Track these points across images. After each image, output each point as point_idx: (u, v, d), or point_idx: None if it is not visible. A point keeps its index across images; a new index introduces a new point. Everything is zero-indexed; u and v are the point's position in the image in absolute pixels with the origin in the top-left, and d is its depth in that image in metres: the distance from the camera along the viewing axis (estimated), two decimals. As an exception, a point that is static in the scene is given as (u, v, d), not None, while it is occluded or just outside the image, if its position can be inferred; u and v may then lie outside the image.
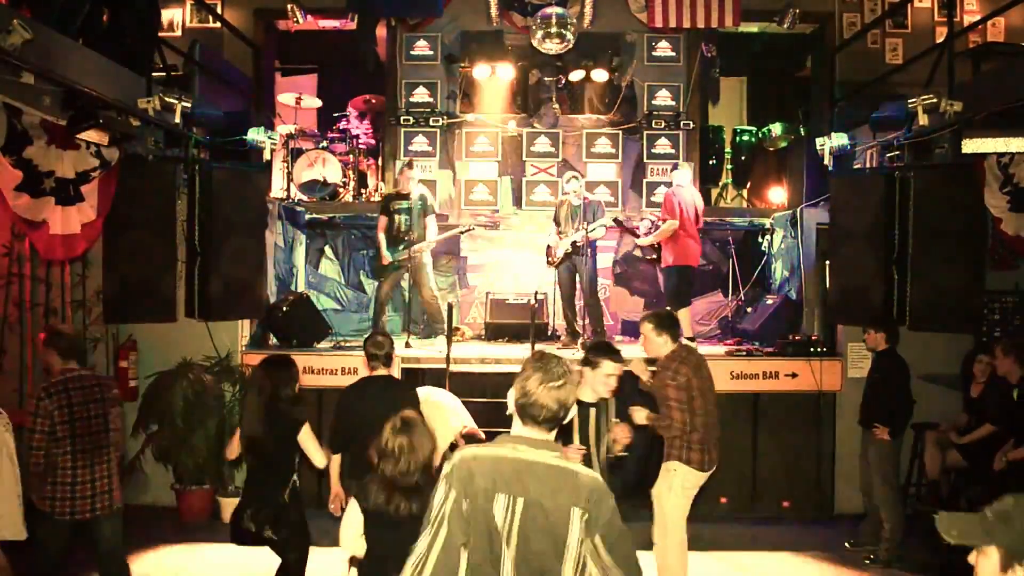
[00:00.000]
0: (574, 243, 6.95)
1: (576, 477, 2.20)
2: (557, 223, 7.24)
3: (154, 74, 5.73)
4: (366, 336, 4.72)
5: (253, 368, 4.63)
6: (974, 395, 5.85)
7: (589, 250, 7.00)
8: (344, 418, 4.39)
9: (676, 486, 4.51)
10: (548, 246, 7.27)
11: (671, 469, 4.54)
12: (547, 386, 2.23)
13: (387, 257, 7.14)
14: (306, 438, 4.11)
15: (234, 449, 4.30)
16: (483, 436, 5.45)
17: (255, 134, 6.68)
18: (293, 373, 4.21)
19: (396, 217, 7.16)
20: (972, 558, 1.71)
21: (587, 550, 2.16)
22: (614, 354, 3.96)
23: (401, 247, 7.13)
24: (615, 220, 7.73)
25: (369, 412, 4.02)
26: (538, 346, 6.60)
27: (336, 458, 4.38)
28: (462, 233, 7.67)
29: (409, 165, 7.35)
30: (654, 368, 4.63)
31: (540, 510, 2.15)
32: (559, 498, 2.16)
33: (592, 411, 3.92)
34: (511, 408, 2.32)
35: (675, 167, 7.56)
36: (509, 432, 2.34)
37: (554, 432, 2.30)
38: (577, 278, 7.15)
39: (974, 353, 6.02)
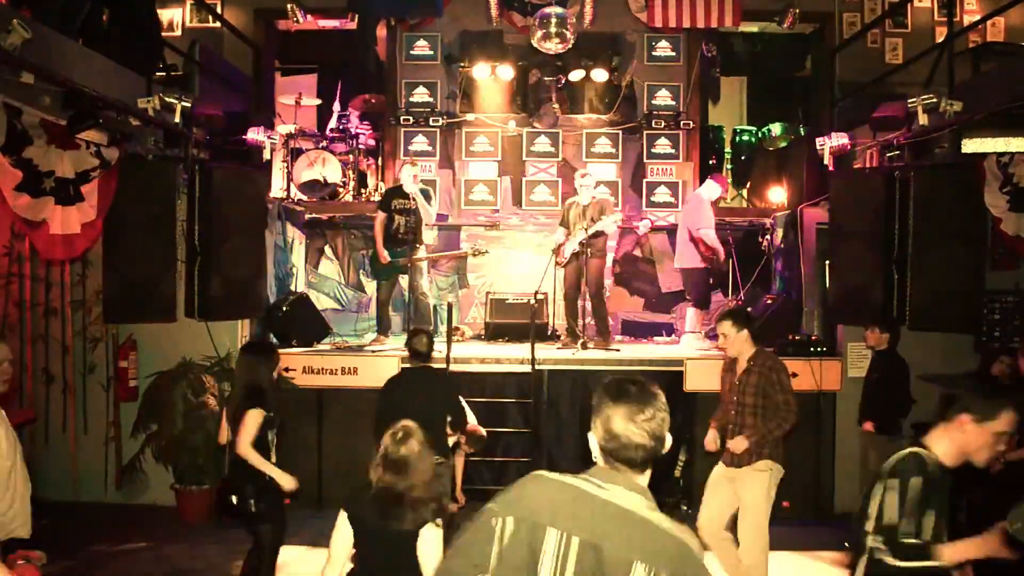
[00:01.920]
0: (582, 242, 6.96)
1: (657, 532, 1.83)
2: (565, 225, 7.24)
3: (154, 74, 5.73)
4: (410, 331, 5.21)
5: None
6: None
7: (596, 250, 7.05)
8: (387, 408, 4.55)
9: (772, 486, 4.51)
10: (558, 246, 7.25)
11: (766, 469, 4.48)
12: (636, 421, 1.89)
13: (386, 256, 7.02)
14: (249, 419, 4.14)
15: (224, 434, 4.43)
16: (483, 433, 5.47)
17: (255, 134, 6.68)
18: (271, 358, 4.42)
19: (396, 217, 7.05)
20: None
21: None
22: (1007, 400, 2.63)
23: (400, 249, 7.03)
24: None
25: (411, 400, 4.43)
26: (538, 346, 6.61)
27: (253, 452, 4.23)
28: (473, 255, 7.56)
29: (411, 162, 7.27)
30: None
31: (598, 554, 1.82)
32: (623, 548, 1.81)
33: (915, 482, 2.57)
34: (596, 454, 1.97)
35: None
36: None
37: (648, 473, 1.95)
38: (583, 279, 7.15)
39: (992, 353, 5.94)
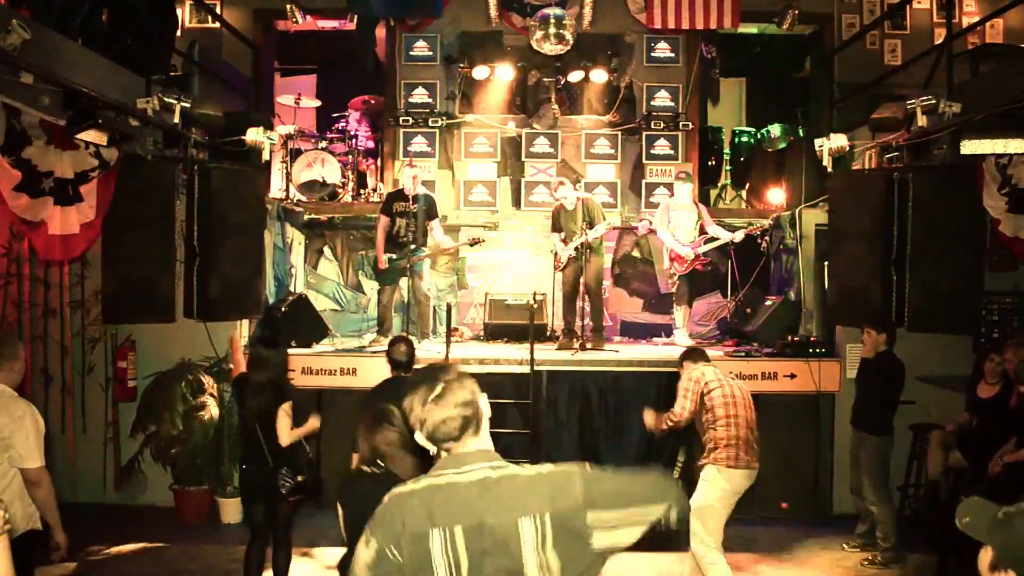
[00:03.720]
0: (580, 246, 6.99)
1: (524, 482, 1.93)
2: (557, 229, 7.26)
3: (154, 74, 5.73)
4: (390, 341, 4.93)
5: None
6: (983, 395, 5.75)
7: (591, 253, 7.06)
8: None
9: (712, 493, 4.75)
10: (555, 252, 7.27)
11: (706, 477, 4.79)
12: (432, 403, 1.98)
13: (384, 261, 7.02)
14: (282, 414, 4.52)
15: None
16: None
17: (254, 134, 6.67)
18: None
19: (398, 220, 7.03)
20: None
21: (601, 526, 1.88)
22: None
23: (401, 251, 7.00)
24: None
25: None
26: (537, 347, 6.61)
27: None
28: (471, 245, 7.54)
29: (410, 164, 7.27)
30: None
31: (483, 531, 1.88)
32: (504, 512, 1.88)
33: None
34: (431, 449, 2.04)
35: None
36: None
37: (484, 435, 2.03)
38: (582, 280, 7.17)
39: (985, 352, 5.95)
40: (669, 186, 8.28)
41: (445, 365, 2.07)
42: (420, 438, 2.02)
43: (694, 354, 5.16)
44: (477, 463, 1.96)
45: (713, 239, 7.22)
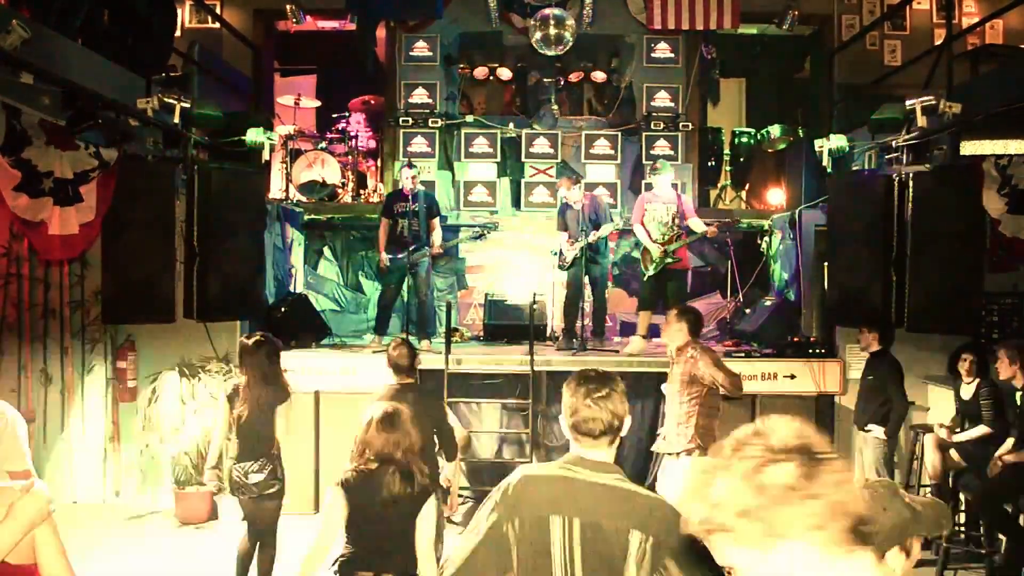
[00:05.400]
0: (585, 246, 6.98)
1: (638, 499, 2.11)
2: (564, 228, 7.24)
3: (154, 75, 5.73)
4: (391, 344, 4.58)
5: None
6: (965, 396, 5.79)
7: (596, 254, 7.09)
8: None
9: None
10: (560, 251, 7.25)
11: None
12: (593, 398, 2.15)
13: (386, 261, 7.02)
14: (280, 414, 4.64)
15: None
16: (466, 433, 5.46)
17: (254, 135, 6.67)
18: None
19: (399, 221, 7.03)
20: None
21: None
22: None
23: (403, 251, 6.99)
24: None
25: None
26: (536, 347, 6.61)
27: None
28: (476, 239, 7.50)
29: (409, 164, 7.28)
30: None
31: (598, 531, 2.07)
32: (618, 520, 2.07)
33: None
34: (566, 432, 2.22)
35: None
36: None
37: (614, 449, 2.20)
38: (587, 280, 7.16)
39: (958, 352, 5.95)
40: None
41: (615, 376, 2.24)
42: (564, 423, 2.21)
43: (695, 320, 5.04)
44: (604, 472, 2.14)
45: (690, 232, 6.96)
